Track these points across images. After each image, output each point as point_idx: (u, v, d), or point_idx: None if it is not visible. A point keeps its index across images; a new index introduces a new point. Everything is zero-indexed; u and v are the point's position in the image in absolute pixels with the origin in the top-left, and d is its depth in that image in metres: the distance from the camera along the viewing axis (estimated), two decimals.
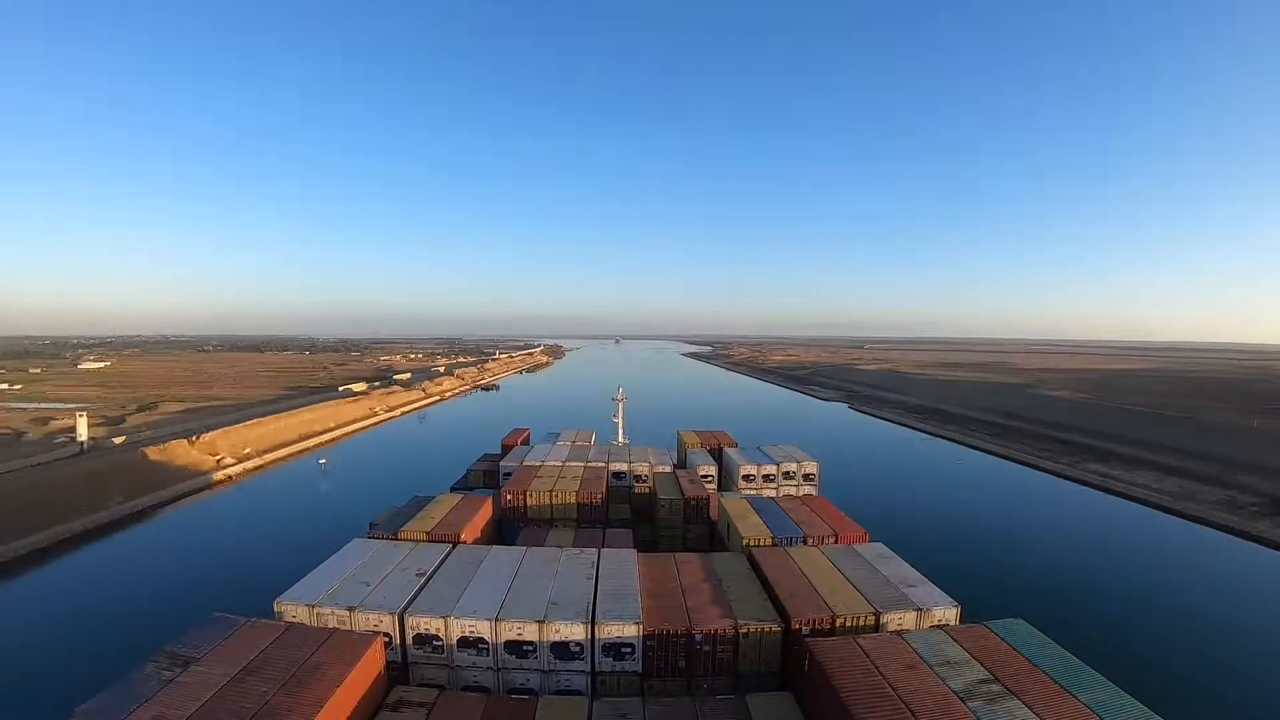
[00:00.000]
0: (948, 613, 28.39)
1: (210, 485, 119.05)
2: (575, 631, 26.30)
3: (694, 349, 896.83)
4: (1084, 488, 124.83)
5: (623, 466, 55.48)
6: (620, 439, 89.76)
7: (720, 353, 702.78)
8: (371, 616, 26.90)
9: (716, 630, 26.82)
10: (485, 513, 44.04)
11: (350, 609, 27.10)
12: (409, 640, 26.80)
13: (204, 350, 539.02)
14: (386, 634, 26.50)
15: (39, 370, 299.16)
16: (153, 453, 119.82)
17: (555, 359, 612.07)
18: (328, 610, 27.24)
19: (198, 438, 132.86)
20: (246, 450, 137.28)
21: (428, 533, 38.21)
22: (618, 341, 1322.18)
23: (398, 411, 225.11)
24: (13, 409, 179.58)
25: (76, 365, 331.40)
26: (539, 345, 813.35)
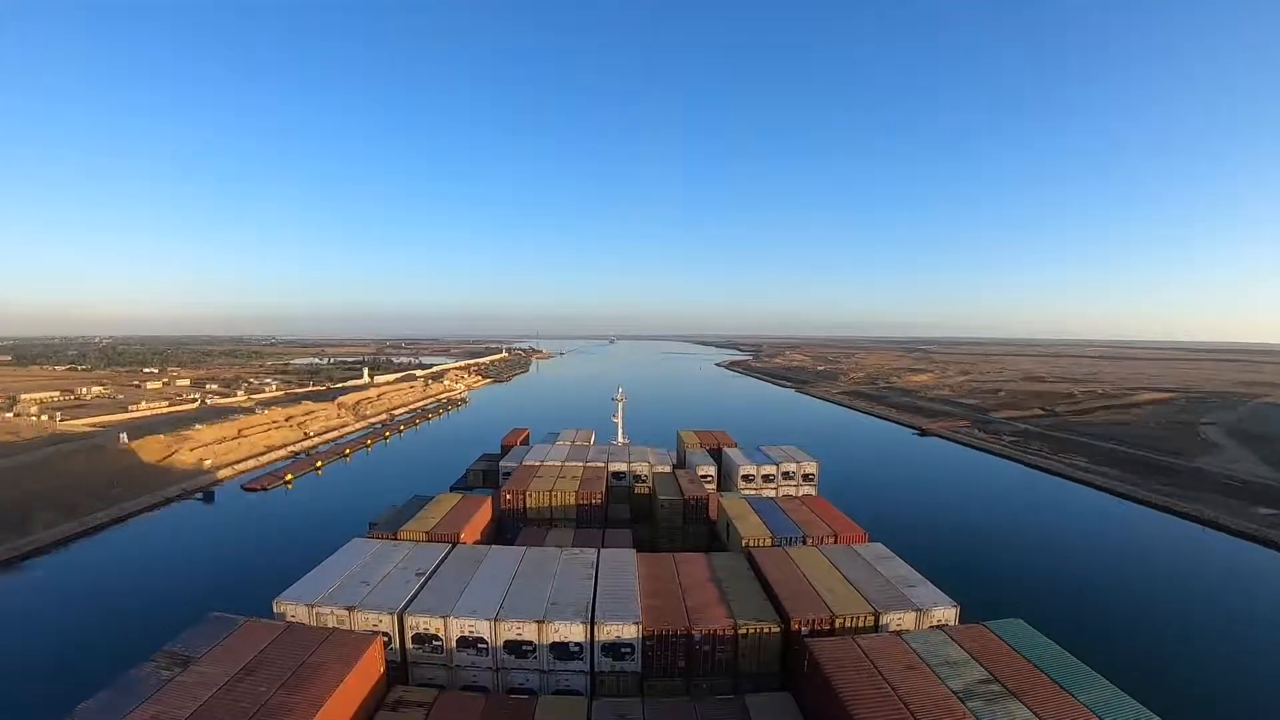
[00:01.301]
0: (947, 613, 28.42)
1: None
2: (575, 632, 26.31)
3: (728, 355, 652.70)
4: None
5: (622, 466, 55.51)
6: (620, 439, 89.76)
7: (778, 367, 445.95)
8: (371, 616, 26.90)
9: (716, 630, 26.84)
10: (485, 513, 44.06)
11: (349, 609, 27.09)
12: (408, 640, 26.80)
13: None
14: (386, 634, 26.50)
15: None
16: None
17: (503, 379, 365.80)
18: (327, 610, 27.24)
19: None
20: None
21: (427, 532, 38.26)
22: (612, 342, 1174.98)
23: None
24: None
25: None
26: (502, 350, 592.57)
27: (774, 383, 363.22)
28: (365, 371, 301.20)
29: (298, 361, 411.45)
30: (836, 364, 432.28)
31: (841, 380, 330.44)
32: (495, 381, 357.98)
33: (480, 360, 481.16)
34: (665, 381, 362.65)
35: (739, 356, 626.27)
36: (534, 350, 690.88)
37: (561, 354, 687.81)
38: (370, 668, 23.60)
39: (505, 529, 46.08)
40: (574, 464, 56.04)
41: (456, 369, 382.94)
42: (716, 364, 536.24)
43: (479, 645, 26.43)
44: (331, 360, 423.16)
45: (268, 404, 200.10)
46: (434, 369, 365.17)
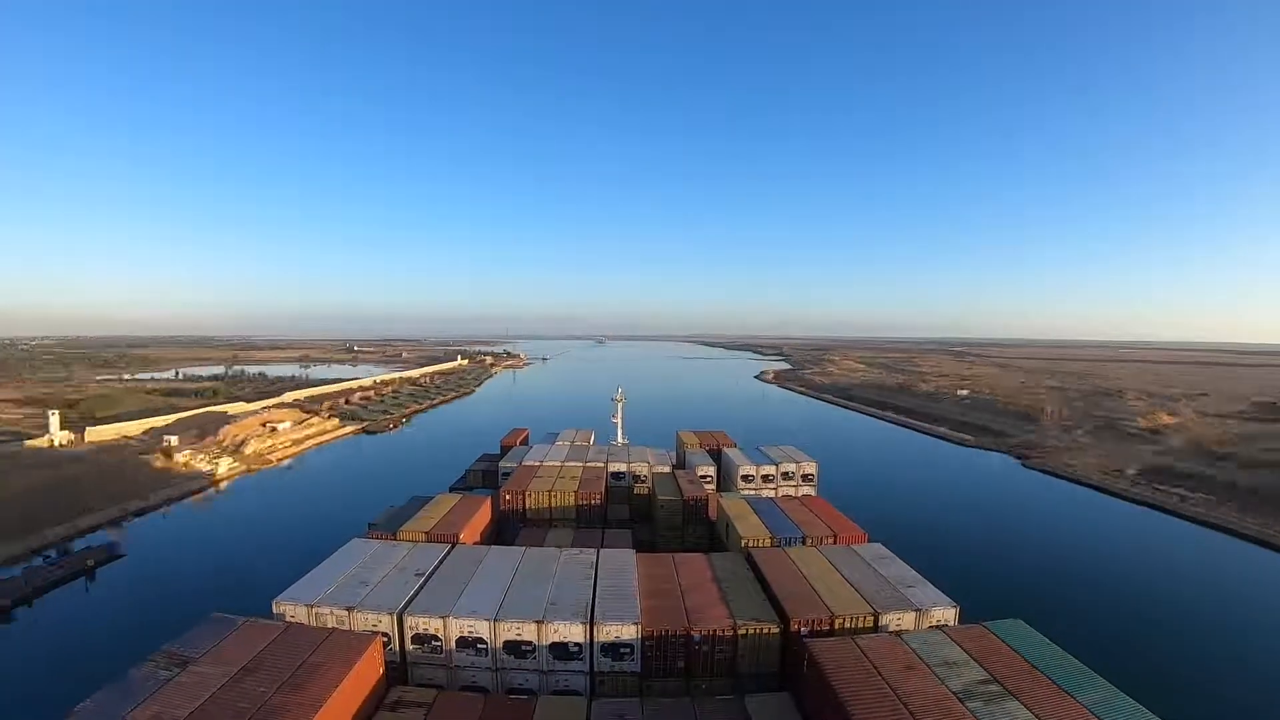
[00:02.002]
0: (946, 613, 28.42)
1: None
2: (574, 632, 26.30)
3: (750, 360, 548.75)
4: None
5: (622, 467, 55.51)
6: (619, 439, 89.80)
7: (848, 382, 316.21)
8: (370, 616, 26.88)
9: (715, 631, 26.83)
10: (484, 513, 44.06)
11: (349, 609, 27.07)
12: (408, 640, 26.79)
13: None
14: (385, 634, 26.48)
15: None
16: None
17: (382, 428, 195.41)
18: (326, 610, 27.22)
19: None
20: None
21: (427, 533, 38.24)
22: (601, 342, 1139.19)
23: None
24: None
25: None
26: (459, 357, 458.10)
27: (933, 434, 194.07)
28: (53, 422, 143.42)
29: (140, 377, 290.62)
30: (905, 371, 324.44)
31: (1045, 425, 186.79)
32: (365, 430, 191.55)
33: (424, 371, 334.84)
34: (711, 419, 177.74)
35: (774, 364, 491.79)
36: (507, 355, 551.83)
37: (545, 359, 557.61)
38: (369, 668, 23.58)
39: (505, 529, 46.09)
40: (573, 464, 56.03)
41: (274, 406, 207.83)
42: (756, 377, 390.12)
43: (478, 645, 26.41)
44: (180, 375, 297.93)
45: None
46: (258, 406, 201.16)
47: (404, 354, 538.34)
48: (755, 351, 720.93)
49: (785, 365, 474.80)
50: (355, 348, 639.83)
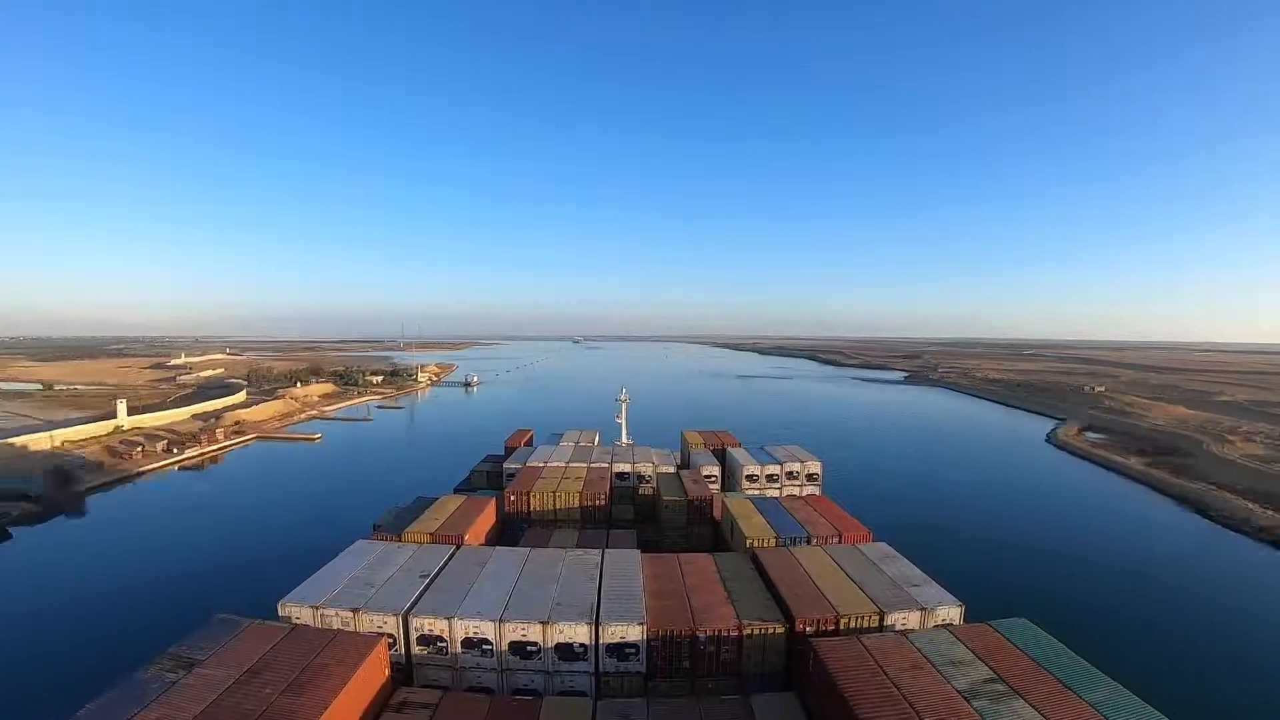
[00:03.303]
0: (952, 612, 28.34)
1: None
2: (579, 633, 26.31)
3: (849, 379, 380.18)
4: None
5: (626, 467, 55.50)
6: (624, 439, 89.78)
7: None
8: (375, 618, 26.95)
9: (720, 631, 26.81)
10: (489, 514, 44.08)
11: (354, 610, 27.14)
12: (413, 642, 26.85)
13: None
14: (390, 635, 26.57)
15: None
16: None
17: None
18: (331, 612, 27.29)
19: None
20: None
21: (431, 534, 38.30)
22: (578, 341, 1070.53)
23: None
24: None
25: None
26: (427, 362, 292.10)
27: None
28: None
29: None
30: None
31: None
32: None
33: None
34: None
35: (947, 397, 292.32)
36: (392, 376, 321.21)
37: (469, 385, 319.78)
38: (375, 670, 23.66)
39: (509, 530, 46.10)
40: (578, 465, 56.06)
41: None
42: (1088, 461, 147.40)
43: (484, 646, 26.45)
44: None
45: None
46: None
47: (178, 376, 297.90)
48: (813, 359, 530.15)
49: (1063, 419, 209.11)
50: (187, 359, 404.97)
